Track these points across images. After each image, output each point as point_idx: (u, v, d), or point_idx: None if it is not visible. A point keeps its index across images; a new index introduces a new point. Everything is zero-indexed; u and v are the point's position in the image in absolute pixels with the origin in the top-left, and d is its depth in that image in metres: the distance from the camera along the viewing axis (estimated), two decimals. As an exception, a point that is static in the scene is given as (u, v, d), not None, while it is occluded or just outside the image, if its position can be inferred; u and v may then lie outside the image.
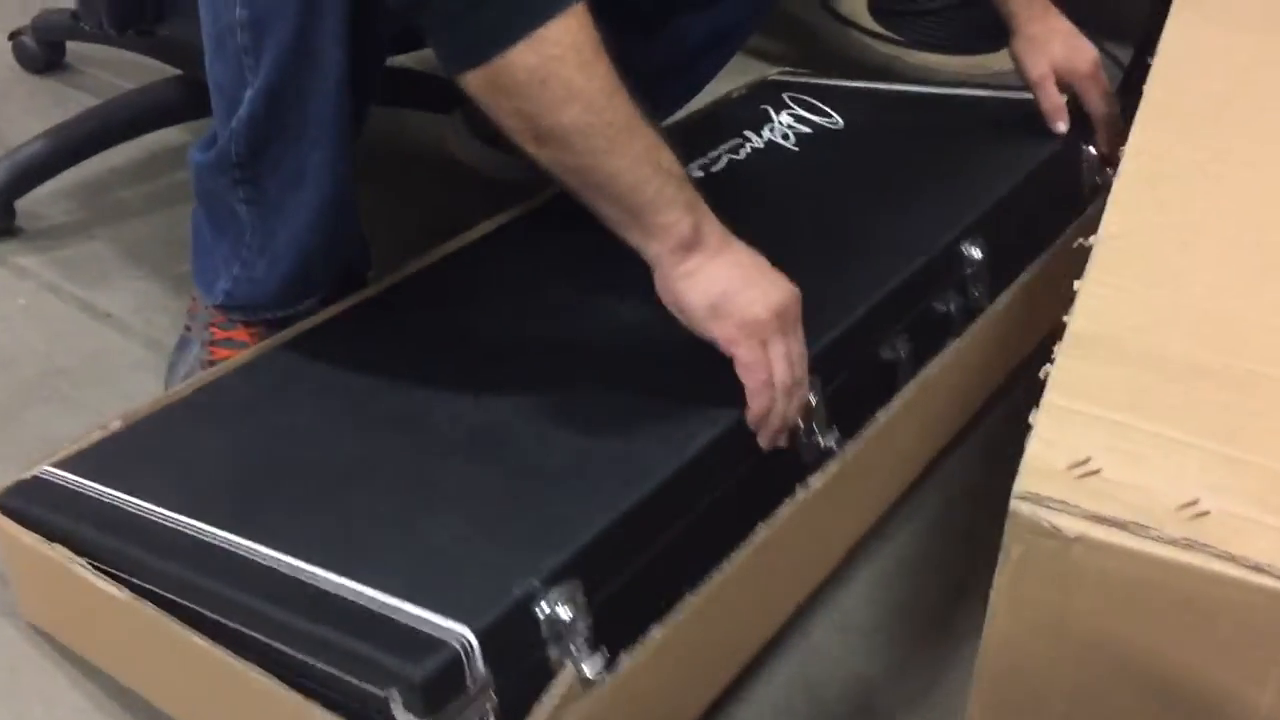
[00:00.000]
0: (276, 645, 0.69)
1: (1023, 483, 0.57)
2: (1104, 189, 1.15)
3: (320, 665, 0.67)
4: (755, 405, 0.80)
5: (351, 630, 0.66)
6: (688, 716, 0.82)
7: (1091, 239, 0.76)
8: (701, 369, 0.80)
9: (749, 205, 1.00)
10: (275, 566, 0.72)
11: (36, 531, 0.81)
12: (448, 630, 0.65)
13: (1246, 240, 0.76)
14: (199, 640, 0.72)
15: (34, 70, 1.66)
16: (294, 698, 0.67)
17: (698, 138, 1.20)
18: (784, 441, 0.84)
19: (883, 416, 0.91)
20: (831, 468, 0.86)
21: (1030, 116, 1.16)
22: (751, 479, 0.83)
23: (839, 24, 1.83)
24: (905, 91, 1.41)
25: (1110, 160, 1.17)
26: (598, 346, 0.92)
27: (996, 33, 1.20)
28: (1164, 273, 0.72)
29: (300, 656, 0.68)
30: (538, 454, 0.81)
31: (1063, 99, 1.15)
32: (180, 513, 0.77)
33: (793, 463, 0.85)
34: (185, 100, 1.33)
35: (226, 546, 0.74)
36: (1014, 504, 0.56)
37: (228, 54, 0.88)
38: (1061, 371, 0.64)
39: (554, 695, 0.67)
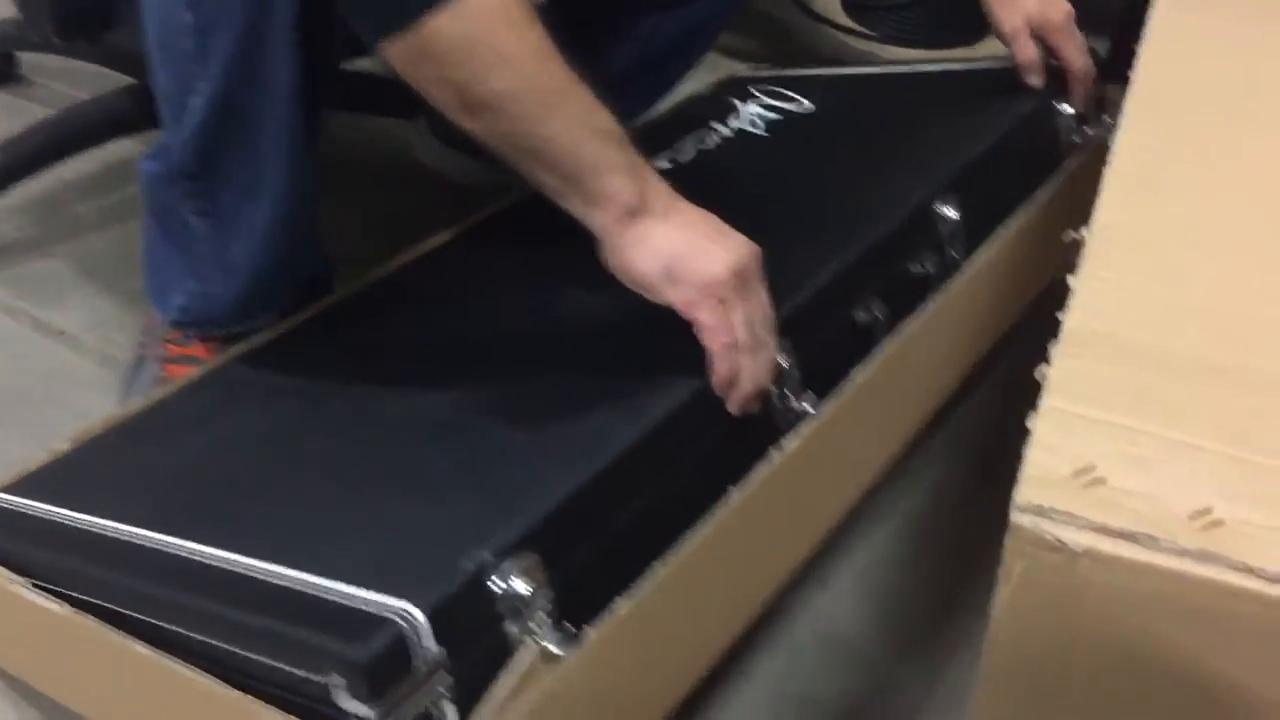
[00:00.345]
0: (217, 644, 0.66)
1: (1024, 493, 0.53)
2: (1082, 147, 1.15)
3: (262, 659, 0.63)
4: (720, 369, 0.77)
5: (291, 618, 0.63)
6: (664, 702, 0.77)
7: (1084, 231, 0.73)
8: (665, 338, 0.76)
9: (719, 187, 0.96)
10: (215, 564, 0.68)
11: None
12: (392, 608, 0.61)
13: (1247, 230, 0.72)
14: (139, 648, 0.68)
15: (-15, 83, 1.62)
16: (235, 696, 0.63)
17: (663, 133, 1.17)
18: (755, 406, 0.80)
19: (860, 376, 0.87)
20: (806, 428, 0.82)
21: (1004, 82, 1.14)
22: (723, 446, 0.80)
23: (811, 20, 1.81)
24: (876, 72, 1.39)
25: (1086, 118, 1.16)
26: (559, 333, 0.89)
27: (970, 25, 1.18)
28: (1163, 265, 0.69)
29: (242, 653, 0.65)
30: (495, 436, 0.78)
31: (1038, 52, 1.12)
32: (121, 522, 0.74)
33: (766, 428, 0.81)
34: (139, 110, 1.28)
35: (166, 550, 0.71)
36: (1015, 516, 0.53)
37: (174, 61, 0.85)
38: (1060, 372, 0.60)
39: (514, 673, 0.63)
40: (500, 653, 0.65)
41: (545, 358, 0.86)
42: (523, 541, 0.66)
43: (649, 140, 0.84)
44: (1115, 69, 1.07)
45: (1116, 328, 0.63)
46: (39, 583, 0.75)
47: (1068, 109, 1.15)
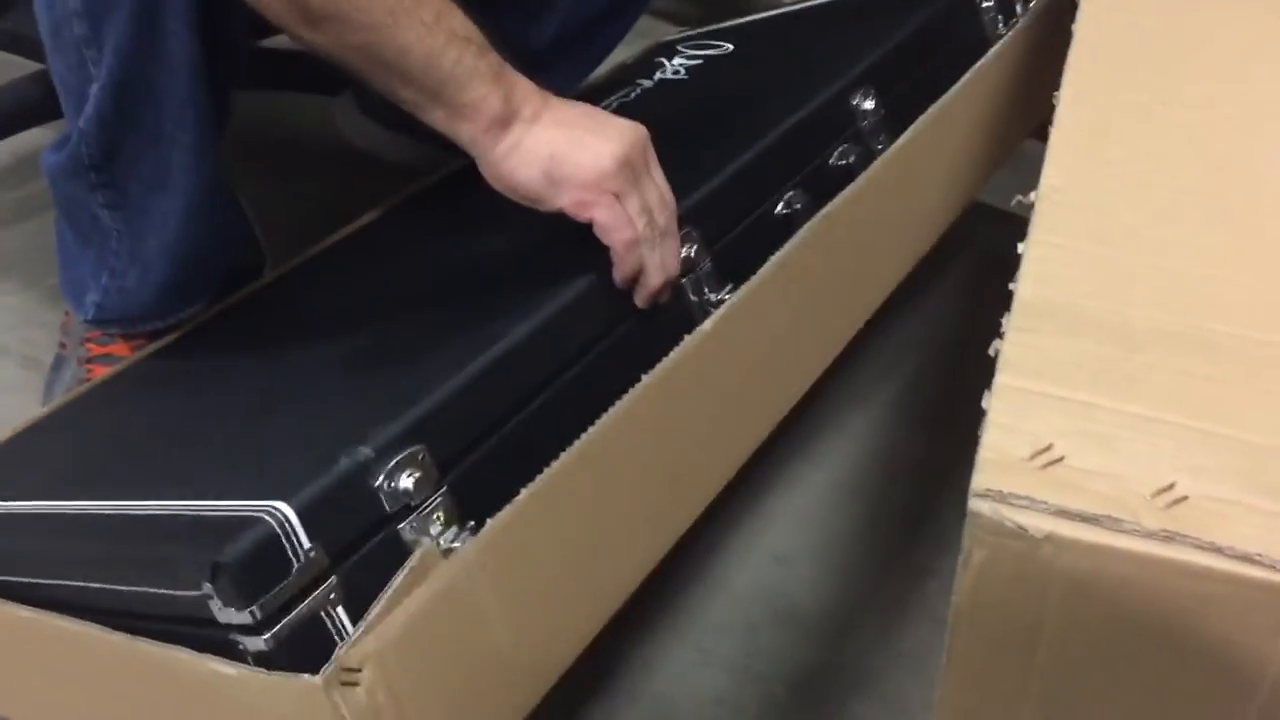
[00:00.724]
0: (105, 588, 0.63)
1: (981, 478, 0.50)
2: (1005, 35, 1.14)
3: (147, 590, 0.60)
4: (624, 267, 0.73)
5: (167, 543, 0.60)
6: (586, 609, 0.73)
7: (1032, 195, 0.70)
8: (566, 243, 0.74)
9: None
10: (91, 514, 0.66)
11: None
12: (260, 508, 0.58)
13: (1199, 187, 0.70)
14: (22, 611, 0.65)
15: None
16: (117, 639, 0.60)
17: (589, 97, 1.14)
18: (667, 296, 0.77)
19: (777, 258, 0.83)
20: (722, 312, 0.78)
21: None
22: (637, 342, 0.77)
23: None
24: (800, 7, 1.36)
25: (1010, 10, 1.16)
26: (464, 268, 0.86)
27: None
28: (1115, 229, 0.66)
29: (128, 589, 0.62)
30: (385, 351, 0.75)
31: None
32: (14, 500, 0.72)
33: (685, 323, 0.78)
34: (47, 98, 1.22)
35: (47, 512, 0.69)
36: (973, 503, 0.50)
37: (67, 46, 0.80)
38: (1013, 347, 0.58)
39: (408, 571, 0.59)
40: (398, 556, 0.61)
41: (446, 286, 0.84)
42: (407, 438, 0.63)
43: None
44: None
45: (1070, 297, 0.61)
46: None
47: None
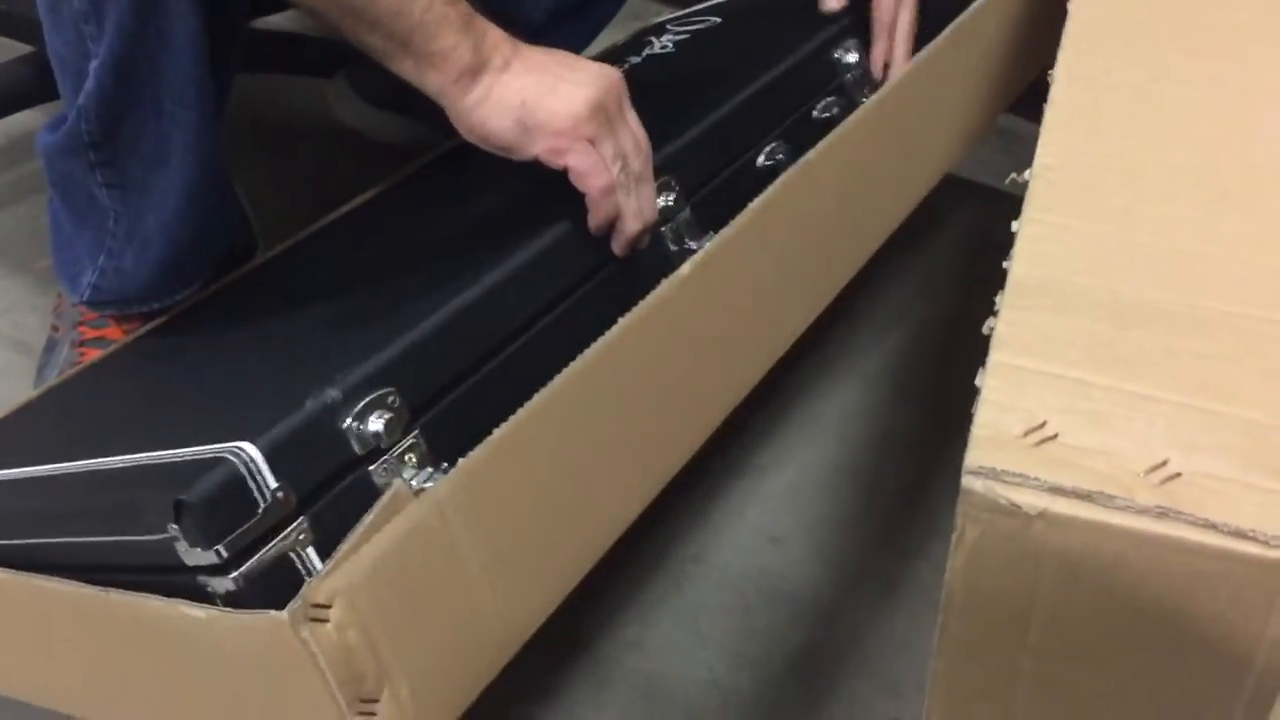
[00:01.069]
0: (72, 541, 0.64)
1: (974, 455, 0.50)
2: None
3: (111, 539, 0.61)
4: (600, 213, 0.73)
5: (131, 489, 0.61)
6: (564, 552, 0.72)
7: (1026, 173, 0.70)
8: (543, 190, 0.74)
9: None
10: (59, 473, 0.67)
11: None
12: (224, 449, 0.58)
13: (1194, 165, 0.70)
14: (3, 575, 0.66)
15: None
16: (89, 591, 0.61)
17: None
18: (644, 242, 0.76)
19: (760, 202, 0.82)
20: (702, 255, 0.77)
21: None
22: (612, 287, 0.77)
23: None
24: None
25: None
26: (447, 234, 0.86)
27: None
28: (1109, 206, 0.66)
29: (95, 539, 0.62)
30: (362, 307, 0.76)
31: None
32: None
33: (662, 270, 0.77)
34: (40, 79, 1.22)
35: (25, 478, 0.69)
36: (966, 480, 0.50)
37: (65, 23, 0.79)
38: (1007, 325, 0.58)
39: (379, 509, 0.59)
40: (370, 499, 0.61)
41: (428, 248, 0.84)
42: (376, 380, 0.63)
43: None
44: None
45: (1064, 274, 0.61)
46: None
47: None
